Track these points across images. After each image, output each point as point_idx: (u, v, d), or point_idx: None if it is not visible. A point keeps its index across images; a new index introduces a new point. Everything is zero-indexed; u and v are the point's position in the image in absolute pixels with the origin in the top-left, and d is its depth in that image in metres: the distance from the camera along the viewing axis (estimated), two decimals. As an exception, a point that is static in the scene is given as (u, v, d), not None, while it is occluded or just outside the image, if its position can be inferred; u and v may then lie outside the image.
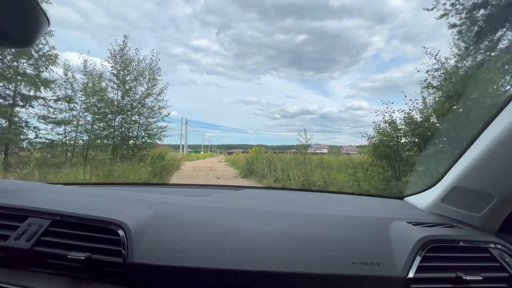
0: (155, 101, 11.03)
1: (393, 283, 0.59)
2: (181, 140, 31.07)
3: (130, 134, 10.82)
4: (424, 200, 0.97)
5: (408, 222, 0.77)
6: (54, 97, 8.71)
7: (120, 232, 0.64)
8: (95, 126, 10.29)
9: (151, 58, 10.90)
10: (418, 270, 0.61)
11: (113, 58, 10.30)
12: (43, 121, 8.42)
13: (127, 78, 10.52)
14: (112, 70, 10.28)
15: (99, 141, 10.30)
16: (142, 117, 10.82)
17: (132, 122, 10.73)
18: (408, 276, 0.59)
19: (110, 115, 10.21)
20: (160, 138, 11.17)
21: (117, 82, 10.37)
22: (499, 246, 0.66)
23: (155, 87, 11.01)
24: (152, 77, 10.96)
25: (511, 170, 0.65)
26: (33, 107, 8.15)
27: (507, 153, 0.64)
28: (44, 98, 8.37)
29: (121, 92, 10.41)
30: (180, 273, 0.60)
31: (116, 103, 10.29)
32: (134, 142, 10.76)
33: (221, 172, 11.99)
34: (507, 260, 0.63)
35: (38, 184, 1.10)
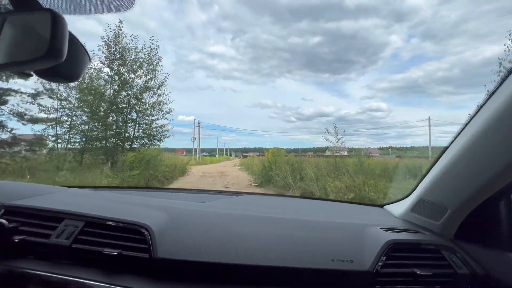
0: (155, 96, 9.45)
1: (363, 276, 0.72)
2: (193, 144, 29.80)
3: (127, 135, 9.29)
4: (398, 208, 1.08)
5: (381, 228, 0.89)
6: (33, 91, 7.32)
7: (146, 233, 0.75)
8: (85, 126, 8.90)
9: (149, 46, 9.35)
10: (383, 266, 0.73)
11: (107, 46, 8.85)
12: (18, 119, 7.01)
13: (123, 70, 9.01)
14: (105, 60, 8.82)
15: (90, 144, 8.86)
16: (140, 114, 9.24)
17: (129, 121, 9.19)
18: (374, 270, 0.72)
19: (102, 113, 8.71)
20: (161, 139, 9.54)
21: (110, 73, 8.89)
22: (448, 248, 0.80)
23: (154, 79, 9.42)
24: (151, 68, 9.40)
25: (459, 185, 0.76)
26: (5, 102, 6.76)
27: (457, 170, 0.76)
28: (18, 92, 6.98)
29: (115, 86, 8.90)
30: (194, 266, 0.72)
31: (109, 98, 8.78)
32: (130, 144, 9.19)
33: (233, 179, 10.16)
34: (454, 259, 0.77)
35: (59, 188, 1.16)
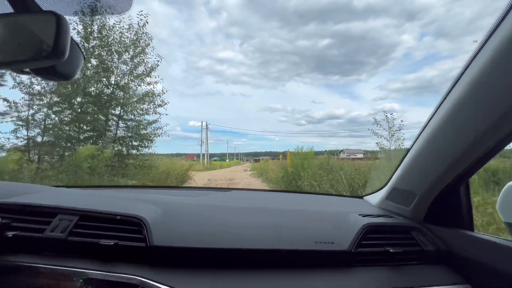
0: (143, 85, 7.45)
1: (342, 255, 0.81)
2: (201, 148, 27.95)
3: (111, 135, 7.33)
4: (376, 198, 1.21)
5: (359, 214, 0.98)
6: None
7: (141, 223, 0.79)
8: (55, 128, 6.99)
9: (138, 23, 7.39)
10: (360, 246, 0.82)
11: (82, 23, 6.94)
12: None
13: (103, 53, 7.10)
14: (81, 41, 6.92)
15: (65, 146, 6.94)
16: (124, 108, 7.25)
17: (110, 117, 7.22)
18: (352, 250, 0.81)
19: (76, 106, 6.78)
20: (152, 139, 7.50)
21: (86, 56, 6.97)
22: (417, 229, 0.90)
23: (142, 64, 7.43)
24: (139, 50, 7.44)
25: (424, 173, 0.86)
26: None
27: (422, 161, 0.87)
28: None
29: (91, 72, 6.96)
30: (188, 251, 0.76)
31: (83, 89, 6.84)
32: (113, 146, 7.19)
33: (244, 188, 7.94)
34: (421, 239, 0.87)
35: (48, 187, 1.15)
